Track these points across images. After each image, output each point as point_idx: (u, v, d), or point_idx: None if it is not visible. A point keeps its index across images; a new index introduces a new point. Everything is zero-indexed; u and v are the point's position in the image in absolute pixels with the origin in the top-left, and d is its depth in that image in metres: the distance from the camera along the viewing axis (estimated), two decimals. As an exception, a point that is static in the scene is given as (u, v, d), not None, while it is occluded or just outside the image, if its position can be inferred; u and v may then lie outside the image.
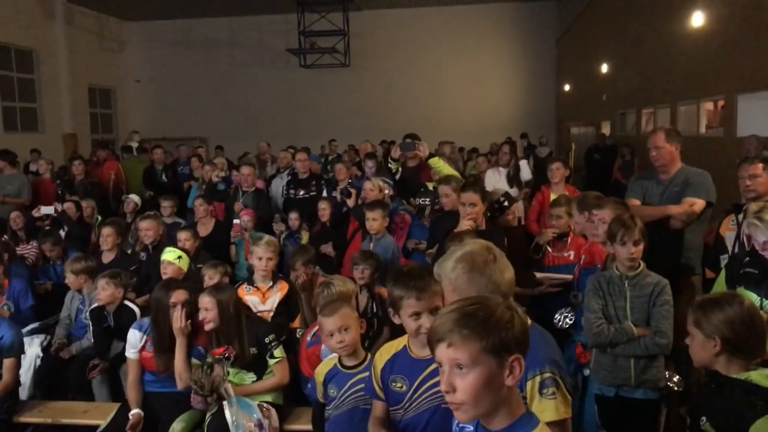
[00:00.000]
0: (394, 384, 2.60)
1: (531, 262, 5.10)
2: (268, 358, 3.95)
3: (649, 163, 4.97)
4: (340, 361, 3.27)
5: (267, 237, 5.15)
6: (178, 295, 4.06)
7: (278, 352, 3.96)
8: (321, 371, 3.32)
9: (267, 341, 3.95)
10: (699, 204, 4.57)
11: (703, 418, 2.37)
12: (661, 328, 3.40)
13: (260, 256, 4.78)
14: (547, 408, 2.10)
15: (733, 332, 2.38)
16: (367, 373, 3.13)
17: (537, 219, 6.50)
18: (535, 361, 2.12)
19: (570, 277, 4.78)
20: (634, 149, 12.97)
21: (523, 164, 7.50)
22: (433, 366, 2.48)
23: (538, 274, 5.28)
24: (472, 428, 1.78)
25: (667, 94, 12.35)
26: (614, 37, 16.14)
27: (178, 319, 3.97)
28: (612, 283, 3.55)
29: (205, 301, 3.91)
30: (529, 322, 2.27)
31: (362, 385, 3.13)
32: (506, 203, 4.92)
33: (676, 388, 3.73)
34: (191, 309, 4.06)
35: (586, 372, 4.21)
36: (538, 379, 2.12)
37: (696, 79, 10.90)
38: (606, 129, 17.19)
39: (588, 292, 3.63)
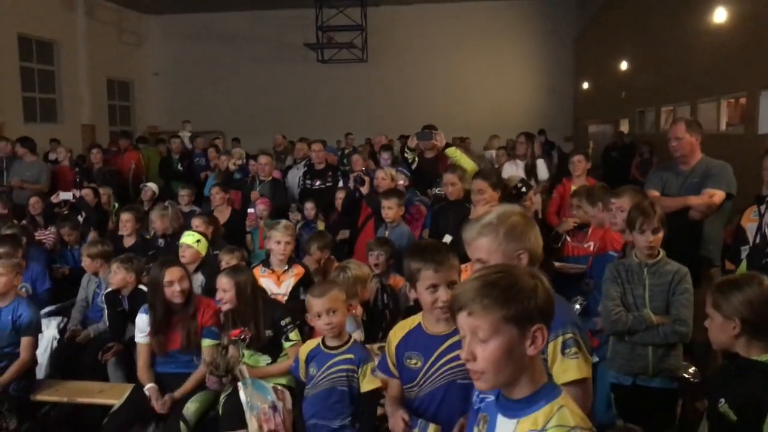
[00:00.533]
0: (408, 361, 2.59)
1: (550, 251, 5.07)
2: (283, 341, 3.95)
3: (668, 161, 4.94)
4: (323, 341, 3.29)
5: (284, 221, 5.17)
6: (172, 273, 4.05)
7: (294, 335, 3.96)
8: (304, 350, 3.34)
9: (283, 324, 3.95)
10: (719, 195, 4.53)
11: (722, 400, 2.34)
12: (681, 316, 3.35)
13: (278, 239, 4.80)
14: (570, 367, 2.11)
15: (753, 313, 2.34)
16: (349, 355, 3.21)
17: (557, 211, 6.47)
18: (556, 323, 2.08)
19: (585, 267, 4.76)
20: (653, 147, 12.85)
21: (540, 163, 7.44)
22: (449, 342, 2.48)
23: (557, 264, 5.26)
24: (492, 398, 1.76)
25: (688, 91, 12.23)
26: (634, 33, 16.01)
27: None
28: (631, 270, 3.51)
29: (223, 282, 3.92)
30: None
31: (342, 366, 3.19)
32: (524, 189, 4.89)
33: (691, 380, 3.70)
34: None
35: (595, 358, 4.18)
36: (560, 339, 2.13)
37: (717, 76, 10.79)
38: (624, 127, 17.06)
39: (606, 280, 3.59)
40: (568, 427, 1.57)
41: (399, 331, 2.70)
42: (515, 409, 1.66)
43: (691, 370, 3.74)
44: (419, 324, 2.62)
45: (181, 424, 3.78)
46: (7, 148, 9.49)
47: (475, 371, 1.63)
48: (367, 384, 3.18)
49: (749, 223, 4.54)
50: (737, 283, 2.42)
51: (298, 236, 6.93)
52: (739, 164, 5.13)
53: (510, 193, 4.85)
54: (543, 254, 2.32)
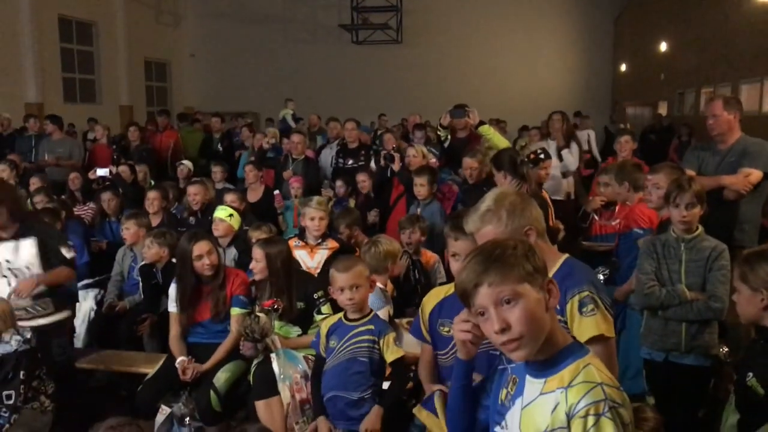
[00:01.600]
0: (441, 328, 2.60)
1: (579, 231, 5.04)
2: (315, 314, 3.99)
3: (706, 141, 4.84)
4: (345, 314, 3.32)
5: (317, 197, 5.18)
6: (201, 247, 4.10)
7: (326, 308, 4.00)
8: (326, 324, 3.38)
9: (316, 297, 3.99)
10: (755, 175, 4.41)
11: (750, 374, 2.31)
12: (717, 293, 3.30)
13: (312, 216, 4.83)
14: (588, 325, 2.14)
15: None
16: (370, 326, 3.24)
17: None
18: (573, 283, 2.18)
19: (612, 245, 4.72)
20: (692, 130, 12.61)
21: (565, 153, 7.22)
22: None
23: (584, 243, 5.22)
24: (515, 365, 1.78)
25: (729, 72, 11.97)
26: (675, 14, 15.66)
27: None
28: (668, 245, 3.46)
29: (256, 253, 4.01)
30: (566, 255, 2.29)
31: (362, 337, 3.22)
32: (542, 155, 4.82)
33: (724, 359, 3.64)
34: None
35: None
36: (576, 298, 2.17)
37: (760, 56, 10.52)
38: (663, 109, 16.77)
39: (642, 254, 3.56)
40: (594, 383, 1.59)
41: (433, 298, 2.71)
42: (543, 369, 1.69)
43: (724, 350, 3.68)
44: (452, 293, 2.63)
45: (212, 393, 3.85)
46: (36, 126, 9.66)
47: (512, 340, 1.62)
48: (391, 354, 3.21)
49: (788, 203, 4.44)
50: (764, 254, 2.38)
51: (330, 215, 7.00)
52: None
53: (528, 157, 4.79)
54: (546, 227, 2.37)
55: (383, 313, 3.68)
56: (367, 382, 3.22)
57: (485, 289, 1.64)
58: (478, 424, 1.98)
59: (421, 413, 2.48)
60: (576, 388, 1.60)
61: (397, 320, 4.34)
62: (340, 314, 3.35)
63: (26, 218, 4.18)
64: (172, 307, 4.24)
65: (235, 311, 4.12)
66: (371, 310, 3.35)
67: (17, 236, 4.02)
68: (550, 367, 1.67)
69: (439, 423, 2.34)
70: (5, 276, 4.01)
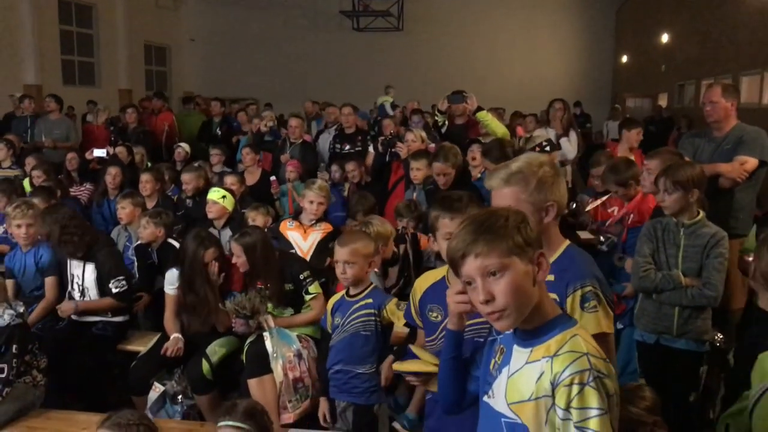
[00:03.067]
0: (430, 314, 2.58)
1: (571, 224, 5.01)
2: (304, 294, 4.01)
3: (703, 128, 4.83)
4: (347, 291, 3.36)
5: (320, 182, 5.18)
6: (210, 255, 4.14)
7: (313, 288, 4.04)
8: (332, 301, 3.43)
9: (302, 278, 4.03)
10: (751, 163, 4.39)
11: (720, 335, 2.34)
12: (711, 280, 3.30)
13: (312, 199, 4.84)
14: (589, 321, 2.07)
15: None
16: (368, 300, 3.27)
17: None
18: (576, 276, 2.11)
19: (614, 237, 4.68)
20: (692, 121, 12.60)
21: (564, 142, 7.18)
22: None
23: (582, 235, 5.21)
24: (503, 335, 1.79)
25: (730, 64, 11.94)
26: (676, 6, 15.63)
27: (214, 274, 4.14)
28: (668, 230, 3.46)
29: (234, 248, 4.05)
30: (568, 241, 2.25)
31: (362, 311, 3.25)
32: (548, 148, 4.80)
33: (718, 345, 3.65)
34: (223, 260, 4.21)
35: (619, 325, 4.15)
36: (579, 293, 2.10)
37: (761, 48, 10.48)
38: (663, 101, 16.75)
39: (641, 237, 3.57)
40: (580, 353, 1.60)
41: (424, 282, 2.70)
42: (530, 338, 1.70)
43: (718, 336, 3.69)
44: (444, 277, 2.59)
45: (204, 362, 3.87)
46: (31, 107, 9.62)
47: (495, 311, 1.64)
48: (399, 319, 3.22)
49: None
50: None
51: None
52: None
53: (534, 150, 4.77)
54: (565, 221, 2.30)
55: None
56: (371, 355, 3.27)
57: (472, 260, 1.64)
58: (468, 395, 1.99)
59: (402, 365, 2.45)
60: (561, 357, 1.61)
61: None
62: (343, 291, 3.38)
63: (95, 243, 4.54)
64: (170, 289, 4.25)
65: (237, 300, 4.11)
66: (371, 285, 3.37)
67: (85, 258, 4.46)
68: (538, 337, 1.68)
69: (424, 360, 2.34)
70: (74, 289, 4.52)
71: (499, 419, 1.74)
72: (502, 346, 1.80)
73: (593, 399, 1.55)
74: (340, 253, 3.24)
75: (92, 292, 4.48)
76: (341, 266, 3.25)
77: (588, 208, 5.02)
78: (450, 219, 2.52)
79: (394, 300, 3.32)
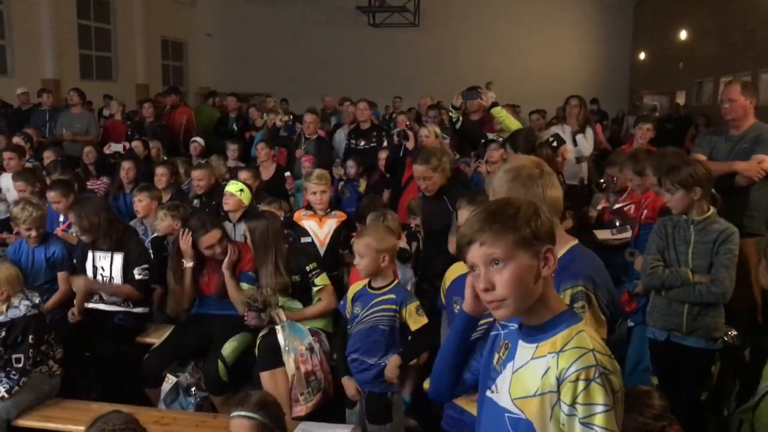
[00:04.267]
0: (455, 305, 2.61)
1: (585, 223, 4.98)
2: (312, 286, 4.04)
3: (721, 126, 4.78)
4: (369, 282, 3.40)
5: (317, 171, 5.19)
6: (210, 239, 4.15)
7: (319, 280, 4.08)
8: (353, 289, 3.48)
9: (308, 269, 4.08)
10: None
11: (733, 332, 2.33)
12: (719, 277, 3.28)
13: (314, 190, 4.86)
14: None
15: None
16: (392, 296, 3.32)
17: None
18: (569, 276, 2.09)
19: (628, 235, 4.66)
20: (710, 119, 12.48)
21: (580, 138, 7.14)
22: None
23: (598, 234, 5.18)
24: (515, 326, 1.78)
25: (749, 61, 11.83)
26: (695, 2, 15.49)
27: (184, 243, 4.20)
28: (678, 227, 3.45)
29: (245, 228, 4.16)
30: (576, 241, 2.23)
31: (384, 306, 3.31)
32: (555, 143, 4.77)
33: (731, 342, 3.62)
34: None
35: (630, 323, 4.13)
36: (569, 292, 2.08)
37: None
38: (681, 99, 16.61)
39: (652, 234, 3.56)
40: (587, 349, 1.59)
41: (453, 273, 2.73)
42: (535, 334, 1.69)
43: (732, 333, 3.66)
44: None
45: (219, 363, 3.89)
46: (49, 101, 9.69)
47: (494, 300, 1.64)
48: (414, 323, 3.31)
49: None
50: None
51: (341, 194, 7.02)
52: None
53: (541, 146, 4.73)
54: (560, 203, 2.26)
55: None
56: (387, 349, 3.33)
57: (477, 247, 1.64)
58: (462, 383, 1.99)
59: None
60: (568, 353, 1.61)
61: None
62: (366, 281, 3.42)
63: (121, 234, 4.59)
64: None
65: (243, 287, 4.15)
66: (394, 280, 3.41)
67: (112, 249, 4.49)
68: (543, 333, 1.67)
69: None
70: (97, 280, 4.52)
71: (502, 414, 1.73)
72: (506, 341, 1.80)
73: (599, 395, 1.55)
74: (356, 244, 3.35)
75: (117, 281, 4.52)
76: (357, 257, 3.34)
77: (599, 207, 4.99)
78: (469, 211, 2.52)
79: (417, 303, 3.36)
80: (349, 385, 3.42)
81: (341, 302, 3.58)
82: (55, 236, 4.84)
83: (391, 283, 3.37)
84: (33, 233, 4.54)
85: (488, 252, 1.63)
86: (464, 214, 2.63)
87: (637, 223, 4.57)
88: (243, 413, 2.67)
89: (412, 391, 3.91)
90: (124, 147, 7.58)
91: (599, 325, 2.09)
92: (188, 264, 4.22)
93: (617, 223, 4.49)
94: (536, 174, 2.22)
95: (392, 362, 3.31)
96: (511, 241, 1.62)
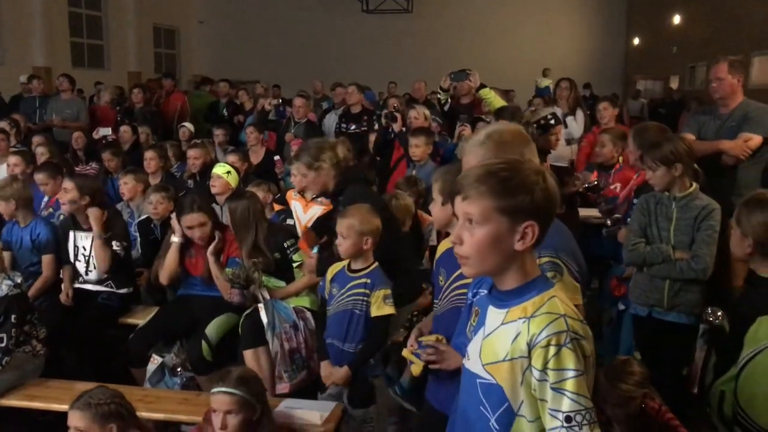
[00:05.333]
0: (439, 276, 2.58)
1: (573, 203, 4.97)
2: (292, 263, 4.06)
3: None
4: (349, 263, 3.33)
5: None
6: (191, 220, 4.12)
7: (297, 256, 4.06)
8: (332, 269, 3.40)
9: (286, 245, 4.06)
10: (755, 140, 4.33)
11: (719, 312, 2.34)
12: (699, 253, 3.28)
13: (294, 173, 4.84)
14: None
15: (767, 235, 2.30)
16: (366, 280, 3.24)
17: (586, 160, 6.32)
18: (540, 247, 2.07)
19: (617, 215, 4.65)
20: (703, 104, 12.46)
21: (570, 120, 7.13)
22: None
23: (583, 212, 5.18)
24: (485, 292, 1.77)
25: (741, 45, 11.80)
26: (689, -14, 15.46)
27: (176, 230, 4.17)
28: (661, 203, 3.45)
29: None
30: None
31: (359, 290, 3.22)
32: (552, 121, 4.73)
33: (713, 320, 3.62)
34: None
35: (621, 306, 4.13)
36: (537, 262, 2.07)
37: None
38: (674, 83, 16.61)
39: (635, 211, 3.57)
40: (558, 315, 1.59)
41: (443, 246, 2.69)
42: (506, 299, 1.68)
43: (718, 312, 3.65)
44: None
45: (203, 343, 3.89)
46: (40, 87, 9.65)
47: (460, 255, 1.66)
48: (377, 309, 3.21)
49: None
50: (762, 203, 2.38)
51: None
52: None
53: (538, 123, 4.70)
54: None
55: None
56: (363, 334, 3.26)
57: (459, 200, 1.65)
58: None
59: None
60: (539, 318, 1.60)
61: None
62: (346, 262, 3.36)
63: (107, 215, 4.54)
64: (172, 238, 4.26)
65: (229, 272, 4.13)
66: (373, 263, 3.32)
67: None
68: (514, 298, 1.66)
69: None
70: (79, 261, 4.52)
71: (474, 380, 1.73)
72: (477, 308, 1.80)
73: (570, 360, 1.55)
74: (338, 224, 3.26)
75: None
76: (339, 237, 3.26)
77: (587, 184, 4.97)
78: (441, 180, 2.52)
79: (386, 291, 3.24)
80: (324, 368, 3.34)
81: (321, 283, 3.50)
82: (43, 219, 4.82)
83: (369, 266, 3.30)
84: (12, 207, 4.56)
85: (467, 209, 1.63)
86: (436, 185, 2.61)
87: (626, 201, 4.57)
88: (224, 389, 2.68)
89: (410, 377, 3.86)
90: (113, 131, 7.54)
91: (573, 292, 2.08)
92: (174, 239, 4.20)
93: (608, 222, 4.47)
94: (524, 139, 2.22)
95: (341, 372, 3.23)
96: (491, 207, 1.60)
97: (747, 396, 2.21)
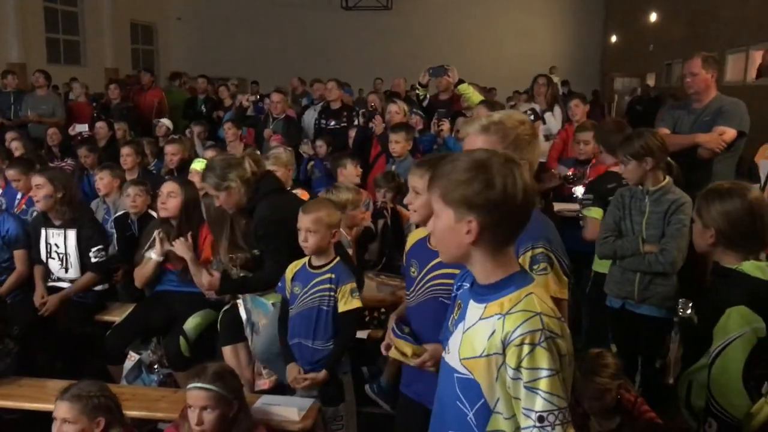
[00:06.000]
0: (411, 268, 2.57)
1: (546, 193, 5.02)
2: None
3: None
4: (309, 260, 3.24)
5: (275, 151, 5.16)
6: (165, 186, 4.14)
7: None
8: (291, 268, 3.30)
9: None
10: (729, 133, 4.39)
11: (690, 304, 2.36)
12: (667, 247, 3.31)
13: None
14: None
15: (729, 225, 2.32)
16: (330, 275, 3.16)
17: (558, 157, 6.35)
18: (528, 237, 2.03)
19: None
20: (679, 101, 12.61)
21: (548, 116, 7.18)
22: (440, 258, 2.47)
23: (557, 206, 5.22)
24: (468, 285, 1.77)
25: (716, 42, 11.94)
26: (665, -16, 15.61)
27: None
28: (635, 197, 3.48)
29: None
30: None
31: (323, 286, 3.15)
32: (532, 117, 4.77)
33: (683, 312, 3.64)
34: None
35: None
36: (529, 254, 2.05)
37: (744, 27, 10.50)
38: (651, 80, 16.75)
39: (610, 205, 3.60)
40: (533, 313, 1.57)
41: (413, 238, 2.68)
42: (485, 294, 1.67)
43: (681, 302, 3.68)
44: (428, 235, 2.54)
45: (181, 339, 3.86)
46: (14, 82, 9.52)
47: (433, 244, 1.75)
48: (345, 304, 3.14)
49: (763, 160, 4.44)
50: (720, 192, 2.38)
51: (311, 174, 6.99)
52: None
53: None
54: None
55: None
56: (331, 331, 3.18)
57: (431, 194, 1.71)
58: None
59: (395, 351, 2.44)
60: (514, 315, 1.58)
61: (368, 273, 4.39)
62: (305, 259, 3.28)
63: (76, 211, 4.52)
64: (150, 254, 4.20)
65: None
66: (335, 258, 3.25)
67: (65, 226, 4.42)
68: (493, 293, 1.65)
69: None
70: (53, 258, 4.45)
71: (452, 374, 1.72)
72: (459, 301, 1.79)
73: (544, 360, 1.54)
74: (303, 220, 3.15)
75: (73, 259, 4.44)
76: (303, 234, 3.15)
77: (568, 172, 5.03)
78: (419, 177, 2.49)
79: (352, 284, 3.18)
80: (290, 370, 3.22)
81: (279, 284, 3.38)
82: (12, 214, 4.76)
83: (332, 261, 3.21)
84: None
85: (430, 201, 1.71)
86: (413, 178, 2.60)
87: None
88: (199, 385, 2.65)
89: (389, 377, 3.84)
90: (89, 128, 7.46)
91: (562, 285, 2.07)
92: (153, 256, 4.16)
93: (579, 195, 4.51)
94: (531, 132, 2.22)
95: (318, 377, 3.15)
96: (439, 198, 1.66)
97: (720, 387, 2.23)
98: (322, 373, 3.15)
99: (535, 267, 2.04)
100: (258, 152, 4.47)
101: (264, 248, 3.60)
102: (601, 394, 2.84)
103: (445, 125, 5.98)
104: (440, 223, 1.66)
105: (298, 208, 3.24)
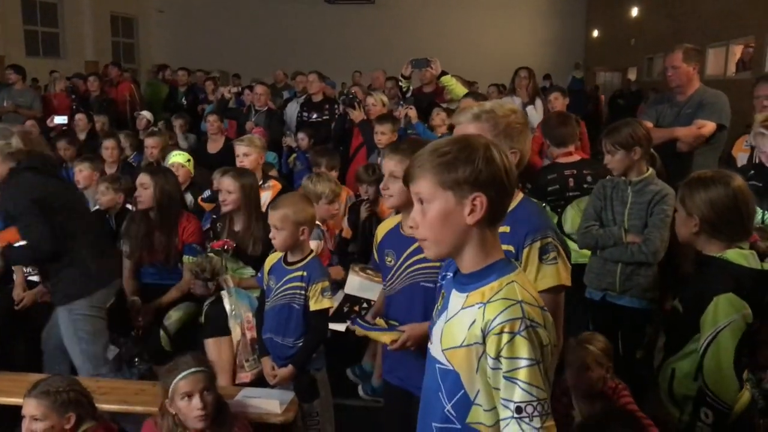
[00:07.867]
0: (386, 258, 2.58)
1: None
2: None
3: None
4: (285, 255, 3.19)
5: (247, 135, 5.13)
6: (140, 178, 4.11)
7: None
8: (269, 261, 3.27)
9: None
10: (709, 126, 4.40)
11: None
12: (650, 237, 3.31)
13: (238, 153, 4.79)
14: (549, 273, 2.03)
15: (713, 213, 2.33)
16: (303, 273, 3.09)
17: (540, 150, 6.35)
18: (534, 228, 2.05)
19: None
20: (662, 93, 12.70)
21: (530, 110, 7.20)
22: (417, 244, 2.45)
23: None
24: (452, 274, 1.75)
25: (696, 37, 12.01)
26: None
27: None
28: (617, 188, 3.48)
29: (227, 184, 3.96)
30: (523, 195, 2.22)
31: (295, 283, 3.09)
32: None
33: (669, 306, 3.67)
34: None
35: None
36: (537, 244, 2.04)
37: (725, 21, 10.59)
38: (633, 75, 16.86)
39: (591, 195, 3.60)
40: (514, 301, 1.54)
41: (383, 228, 2.68)
42: (467, 283, 1.65)
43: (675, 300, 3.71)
44: (399, 224, 2.59)
45: (162, 333, 3.82)
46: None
47: (420, 239, 1.64)
48: (315, 303, 3.08)
49: (740, 153, 4.47)
50: (704, 180, 2.39)
51: (292, 166, 6.96)
52: (747, 109, 4.97)
53: None
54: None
55: (313, 245, 3.56)
56: (301, 329, 3.12)
57: (412, 184, 1.64)
58: None
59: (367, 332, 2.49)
60: (494, 304, 1.55)
61: (354, 266, 4.36)
62: (282, 253, 3.22)
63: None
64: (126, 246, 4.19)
65: (187, 259, 4.07)
66: (310, 254, 3.18)
67: None
68: (474, 282, 1.63)
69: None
70: None
71: (434, 365, 1.70)
72: (443, 291, 1.77)
73: (523, 349, 1.51)
74: (270, 217, 3.10)
75: None
76: (272, 230, 3.09)
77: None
78: (398, 161, 2.50)
79: (324, 283, 3.10)
80: (264, 364, 3.21)
81: (258, 275, 3.34)
82: None
83: (306, 258, 3.14)
84: None
85: (415, 189, 1.62)
86: (386, 162, 2.60)
87: None
88: (195, 369, 2.61)
89: (380, 376, 3.82)
90: (68, 119, 7.37)
91: (568, 273, 2.09)
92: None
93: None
94: (523, 122, 2.23)
95: (283, 373, 3.11)
96: (434, 183, 1.58)
97: (713, 376, 2.23)
98: (288, 369, 3.10)
99: (545, 257, 2.04)
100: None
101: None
102: (591, 365, 2.83)
103: (411, 111, 5.98)
104: (433, 211, 1.59)
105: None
